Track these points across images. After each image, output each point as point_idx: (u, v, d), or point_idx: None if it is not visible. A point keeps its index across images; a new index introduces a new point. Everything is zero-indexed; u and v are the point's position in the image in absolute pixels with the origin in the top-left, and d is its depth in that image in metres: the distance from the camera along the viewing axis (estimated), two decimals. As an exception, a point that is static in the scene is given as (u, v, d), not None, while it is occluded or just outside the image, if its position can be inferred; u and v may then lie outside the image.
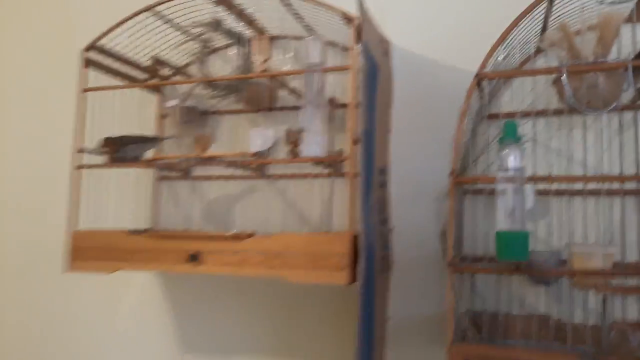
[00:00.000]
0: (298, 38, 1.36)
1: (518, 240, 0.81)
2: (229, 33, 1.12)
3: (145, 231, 1.13)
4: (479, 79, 0.89)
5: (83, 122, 1.20)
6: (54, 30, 1.79)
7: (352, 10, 1.01)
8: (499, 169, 0.84)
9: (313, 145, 0.96)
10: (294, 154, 1.01)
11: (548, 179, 0.85)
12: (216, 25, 1.09)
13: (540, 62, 1.05)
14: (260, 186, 1.36)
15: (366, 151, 1.02)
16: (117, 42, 1.20)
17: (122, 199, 1.43)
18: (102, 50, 1.21)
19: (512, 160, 0.83)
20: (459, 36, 1.26)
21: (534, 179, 0.88)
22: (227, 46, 1.32)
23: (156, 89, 1.32)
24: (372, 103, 1.10)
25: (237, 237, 1.03)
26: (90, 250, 1.16)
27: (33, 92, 1.77)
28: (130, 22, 1.16)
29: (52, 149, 1.66)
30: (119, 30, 1.18)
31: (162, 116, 1.47)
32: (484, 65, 0.90)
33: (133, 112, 1.22)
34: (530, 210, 1.04)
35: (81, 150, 1.19)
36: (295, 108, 1.34)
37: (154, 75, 1.13)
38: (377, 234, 1.11)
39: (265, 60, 1.04)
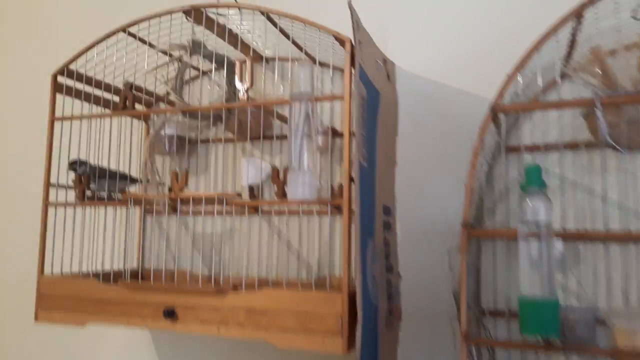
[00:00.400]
0: (295, 60, 1.24)
1: (546, 311, 0.66)
2: (211, 56, 0.99)
3: (118, 279, 1.00)
4: (495, 112, 0.75)
5: (50, 154, 1.08)
6: (30, 54, 1.70)
7: (348, 31, 0.88)
8: (521, 221, 0.70)
9: (300, 184, 0.83)
10: (280, 195, 0.87)
11: (581, 235, 0.71)
12: (195, 47, 0.96)
13: (567, 90, 0.91)
14: (253, 221, 1.23)
15: (364, 188, 0.88)
16: (92, 65, 1.08)
17: (107, 234, 1.31)
18: (76, 75, 1.09)
19: (535, 211, 0.69)
20: (475, 58, 1.12)
21: (562, 235, 0.73)
22: (210, 70, 1.20)
23: (138, 116, 1.20)
24: (371, 133, 0.97)
25: (220, 292, 0.90)
26: (59, 300, 1.04)
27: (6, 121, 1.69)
28: (107, 44, 1.05)
29: (27, 181, 1.56)
30: (93, 52, 1.06)
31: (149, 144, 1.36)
32: (500, 95, 0.76)
33: (115, 136, 1.10)
34: (559, 259, 0.89)
35: (50, 185, 1.08)
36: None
37: (131, 102, 1.01)
38: (381, 285, 0.97)
39: (250, 87, 0.91)
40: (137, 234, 1.33)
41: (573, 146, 0.90)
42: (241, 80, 0.91)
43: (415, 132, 1.16)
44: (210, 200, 0.92)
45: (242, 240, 1.24)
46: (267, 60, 1.25)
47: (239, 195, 0.91)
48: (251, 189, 1.24)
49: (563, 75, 0.87)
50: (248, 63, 0.90)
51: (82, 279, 1.03)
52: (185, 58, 0.93)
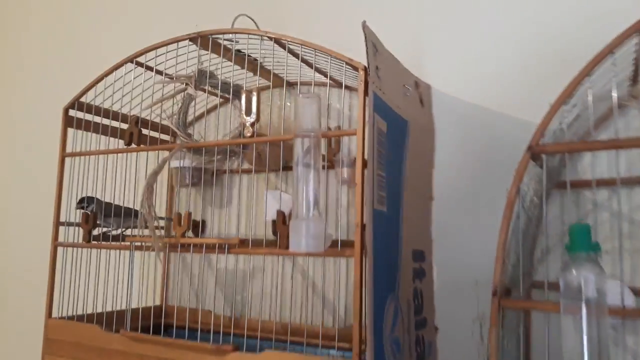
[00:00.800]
0: (318, 84, 1.13)
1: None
2: (219, 86, 0.90)
3: (136, 317, 0.93)
4: (533, 154, 0.61)
5: (60, 191, 1.03)
6: (39, 88, 1.71)
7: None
8: (563, 295, 0.56)
9: (303, 236, 0.71)
10: (284, 244, 0.77)
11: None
12: (201, 77, 0.88)
13: (626, 121, 0.75)
14: (277, 260, 1.13)
15: (382, 236, 0.76)
16: (102, 97, 1.02)
17: (121, 272, 1.26)
18: (86, 107, 1.04)
19: (582, 284, 0.54)
20: (522, 78, 0.97)
21: (618, 312, 0.57)
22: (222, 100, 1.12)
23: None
24: (395, 169, 0.84)
25: (219, 351, 0.80)
26: (64, 345, 0.98)
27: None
28: (116, 75, 0.99)
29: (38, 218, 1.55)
30: (103, 84, 1.01)
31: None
32: (541, 131, 0.62)
33: (125, 171, 1.04)
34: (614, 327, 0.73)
35: (60, 224, 1.02)
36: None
37: (137, 138, 0.94)
38: (408, 347, 0.84)
39: (257, 120, 0.81)
40: (161, 269, 1.27)
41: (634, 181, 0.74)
42: (248, 113, 0.81)
43: (452, 163, 1.02)
44: (211, 247, 0.83)
45: (266, 279, 1.14)
46: (291, 85, 1.16)
47: (242, 241, 0.81)
48: (283, 214, 1.14)
49: (620, 105, 0.71)
50: (255, 94, 0.80)
51: (85, 325, 0.96)
52: (190, 90, 0.85)
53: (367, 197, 0.71)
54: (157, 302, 1.27)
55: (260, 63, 0.98)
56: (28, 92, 1.75)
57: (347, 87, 1.04)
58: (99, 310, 1.03)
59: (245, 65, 0.96)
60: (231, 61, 0.92)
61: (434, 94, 1.05)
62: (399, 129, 0.86)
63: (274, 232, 1.15)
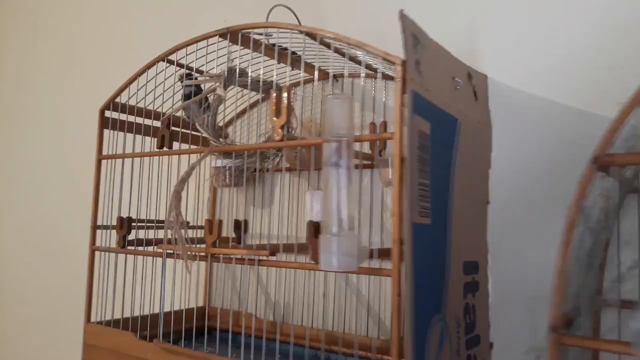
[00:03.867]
0: (354, 76, 1.05)
1: None
2: (251, 84, 0.84)
3: (153, 338, 0.90)
4: (599, 166, 0.50)
5: (97, 195, 1.01)
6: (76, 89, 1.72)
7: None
8: (634, 344, 0.46)
9: (334, 254, 0.64)
10: (316, 258, 0.70)
11: None
12: (231, 75, 0.82)
13: None
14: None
15: (423, 252, 0.67)
16: (138, 98, 0.99)
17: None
18: (120, 107, 1.01)
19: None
20: (593, 66, 0.85)
21: None
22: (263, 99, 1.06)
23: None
24: (441, 175, 0.75)
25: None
26: (100, 352, 0.97)
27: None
28: (149, 75, 0.95)
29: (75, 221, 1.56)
30: (135, 85, 0.97)
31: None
32: (608, 138, 0.51)
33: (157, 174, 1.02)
34: None
35: (97, 228, 1.01)
36: (363, 167, 1.04)
37: (168, 140, 0.90)
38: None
39: (285, 122, 0.74)
40: (204, 271, 1.24)
41: None
42: (277, 114, 0.75)
43: (510, 162, 0.91)
44: (242, 258, 0.78)
45: (309, 285, 1.09)
46: (336, 77, 1.08)
47: (273, 254, 0.75)
48: (316, 226, 1.08)
49: None
50: (284, 94, 0.73)
51: (120, 333, 0.94)
52: (219, 91, 0.79)
53: (406, 210, 0.63)
54: (201, 304, 1.24)
55: (299, 56, 0.91)
56: (65, 95, 1.78)
57: (391, 77, 0.96)
58: (139, 313, 1.01)
59: (284, 59, 0.89)
60: (269, 56, 0.86)
61: (490, 85, 0.94)
62: (446, 128, 0.77)
63: (316, 234, 1.09)
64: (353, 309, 1.03)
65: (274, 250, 0.75)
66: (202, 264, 1.25)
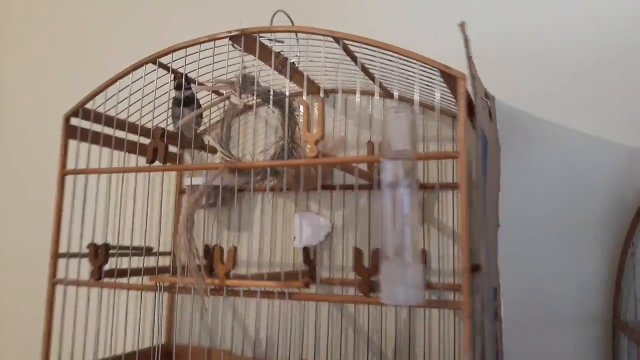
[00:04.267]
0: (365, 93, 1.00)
1: None
2: (266, 94, 0.76)
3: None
4: None
5: (60, 216, 0.85)
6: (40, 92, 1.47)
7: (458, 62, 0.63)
8: None
9: (401, 285, 0.57)
10: (366, 291, 0.63)
11: None
12: (246, 83, 0.73)
13: None
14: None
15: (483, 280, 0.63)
16: (113, 104, 0.85)
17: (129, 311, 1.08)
18: (94, 116, 0.86)
19: None
20: (601, 87, 0.87)
21: None
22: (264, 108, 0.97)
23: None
24: (483, 193, 0.71)
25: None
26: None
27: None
28: (133, 77, 0.82)
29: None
30: (115, 88, 0.84)
31: (181, 192, 1.13)
32: None
33: (140, 192, 0.88)
34: None
35: (59, 256, 0.85)
36: (361, 187, 0.98)
37: (162, 154, 0.78)
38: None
39: (321, 137, 0.66)
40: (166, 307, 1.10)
41: None
42: (307, 129, 0.67)
43: (518, 184, 0.91)
44: (267, 292, 0.68)
45: (297, 318, 0.99)
46: (327, 93, 1.02)
47: (307, 285, 0.66)
48: (306, 252, 1.00)
49: None
50: (318, 105, 0.66)
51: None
52: (234, 99, 0.70)
53: (478, 232, 0.58)
54: (163, 341, 1.10)
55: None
56: (26, 97, 1.50)
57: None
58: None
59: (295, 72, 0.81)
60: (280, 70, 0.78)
61: (498, 106, 0.93)
62: (484, 149, 0.74)
63: (305, 261, 1.00)
64: (350, 340, 0.96)
65: (307, 281, 0.66)
66: (165, 296, 1.11)
